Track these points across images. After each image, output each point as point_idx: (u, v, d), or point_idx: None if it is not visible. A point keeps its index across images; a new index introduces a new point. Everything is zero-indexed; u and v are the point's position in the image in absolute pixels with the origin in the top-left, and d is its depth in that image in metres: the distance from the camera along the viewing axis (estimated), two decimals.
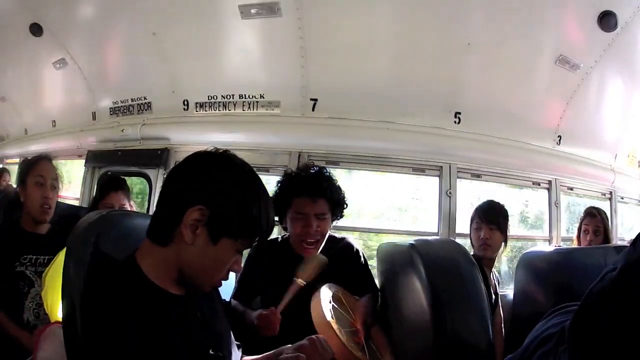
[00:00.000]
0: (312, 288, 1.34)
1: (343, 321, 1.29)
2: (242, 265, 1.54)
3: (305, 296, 1.31)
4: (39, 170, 1.57)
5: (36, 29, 3.03)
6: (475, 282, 1.10)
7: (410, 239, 1.29)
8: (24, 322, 1.48)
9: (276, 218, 1.48)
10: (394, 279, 1.39)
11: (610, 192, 3.05)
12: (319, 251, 1.46)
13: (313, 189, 1.42)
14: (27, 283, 1.51)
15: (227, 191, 0.77)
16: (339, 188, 1.49)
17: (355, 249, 1.57)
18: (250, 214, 0.78)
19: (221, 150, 0.82)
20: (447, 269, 1.12)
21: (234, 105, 2.40)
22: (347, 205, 1.52)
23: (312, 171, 1.47)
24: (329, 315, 1.20)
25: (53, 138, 3.59)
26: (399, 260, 1.36)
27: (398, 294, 1.37)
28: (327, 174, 1.49)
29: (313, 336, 0.87)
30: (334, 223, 1.53)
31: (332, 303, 1.31)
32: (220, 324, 0.91)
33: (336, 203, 1.47)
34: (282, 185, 1.49)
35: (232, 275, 1.68)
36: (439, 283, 1.08)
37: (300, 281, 1.33)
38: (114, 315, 0.70)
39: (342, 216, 1.53)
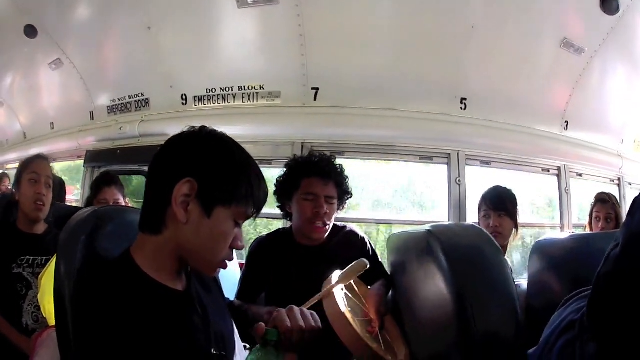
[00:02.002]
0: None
1: (356, 310, 1.23)
2: (244, 262, 1.52)
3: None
4: (33, 167, 1.54)
5: (30, 31, 2.99)
6: (503, 270, 0.97)
7: (424, 226, 1.17)
8: (23, 327, 1.44)
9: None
10: (409, 269, 1.30)
11: (619, 178, 3.00)
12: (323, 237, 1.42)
13: (324, 169, 1.38)
14: (24, 285, 1.47)
15: (213, 158, 0.74)
16: (346, 176, 1.46)
17: (360, 236, 1.52)
18: (240, 177, 0.75)
19: (199, 127, 0.80)
20: (471, 255, 0.99)
21: (234, 97, 2.36)
22: (351, 194, 1.48)
23: (318, 155, 1.44)
24: (342, 305, 1.14)
25: (52, 140, 3.56)
26: (414, 249, 1.25)
27: (414, 285, 1.26)
28: (335, 161, 1.46)
29: (293, 306, 0.83)
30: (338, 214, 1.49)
31: (345, 291, 1.25)
32: (224, 323, 0.86)
33: (344, 189, 1.43)
34: (290, 167, 1.45)
35: (235, 275, 1.65)
36: (462, 272, 0.95)
37: (338, 285, 1.24)
38: (107, 316, 0.65)
39: (345, 206, 1.49)
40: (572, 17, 2.37)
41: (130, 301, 0.67)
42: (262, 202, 0.80)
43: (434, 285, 1.03)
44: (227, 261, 0.78)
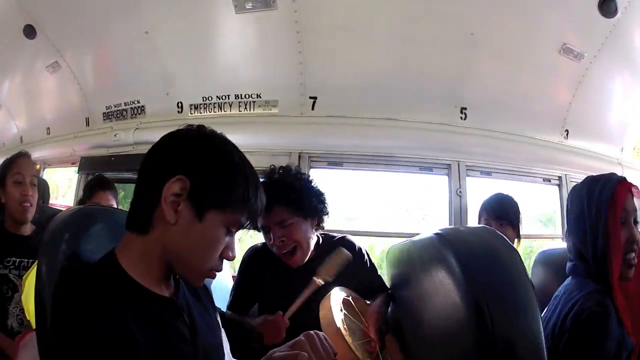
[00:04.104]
0: (324, 289, 1.23)
1: (355, 330, 1.19)
2: (237, 273, 1.48)
3: (314, 297, 1.21)
4: (16, 168, 1.51)
5: (30, 31, 2.95)
6: (520, 272, 0.89)
7: (432, 231, 1.05)
8: (8, 329, 1.42)
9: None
10: (415, 281, 1.20)
11: None
12: (307, 258, 1.35)
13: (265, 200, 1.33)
14: (10, 287, 1.45)
15: (209, 157, 0.70)
16: (303, 187, 1.36)
17: (357, 247, 1.45)
18: (237, 181, 0.71)
19: (198, 125, 0.76)
20: (485, 259, 0.90)
21: (230, 105, 2.32)
22: (323, 201, 1.40)
23: (269, 178, 1.35)
24: (340, 324, 1.10)
25: (48, 145, 3.51)
26: (419, 257, 1.16)
27: (421, 298, 1.16)
28: (288, 176, 1.37)
29: (311, 332, 0.77)
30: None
31: (344, 311, 1.21)
32: (213, 334, 0.82)
33: (299, 203, 1.33)
34: None
35: (228, 286, 1.61)
36: (476, 277, 0.87)
37: (319, 280, 1.21)
38: (85, 320, 0.60)
39: (323, 214, 1.40)
40: (570, 22, 2.34)
41: (110, 305, 0.62)
42: (258, 212, 0.76)
43: (446, 297, 0.94)
44: (216, 272, 0.73)
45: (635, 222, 1.10)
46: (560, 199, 2.52)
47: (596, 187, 1.13)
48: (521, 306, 0.87)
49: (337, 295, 1.23)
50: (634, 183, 1.19)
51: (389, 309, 1.38)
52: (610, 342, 0.99)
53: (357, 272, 1.39)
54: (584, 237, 1.14)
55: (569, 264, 1.25)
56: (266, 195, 1.31)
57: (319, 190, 1.40)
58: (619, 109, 2.84)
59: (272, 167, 1.41)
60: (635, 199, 1.13)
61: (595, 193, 1.12)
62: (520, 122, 2.42)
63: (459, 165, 2.22)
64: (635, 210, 1.12)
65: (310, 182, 1.41)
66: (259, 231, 1.36)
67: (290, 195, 1.32)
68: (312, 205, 1.36)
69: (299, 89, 2.20)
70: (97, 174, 2.45)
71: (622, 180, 1.14)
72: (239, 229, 0.75)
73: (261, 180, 1.35)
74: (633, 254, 1.08)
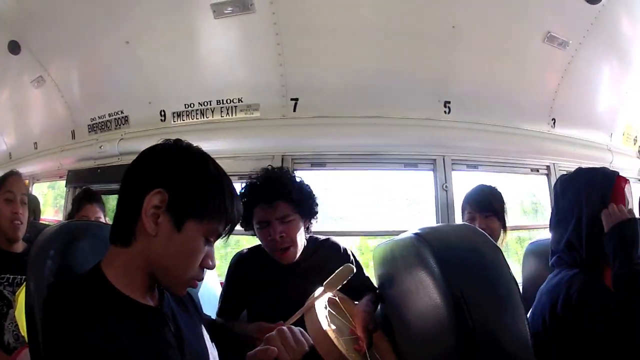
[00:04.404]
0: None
1: (341, 328, 1.18)
2: (224, 280, 1.47)
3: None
4: (7, 186, 1.54)
5: (14, 47, 2.94)
6: (501, 269, 0.89)
7: (411, 231, 1.05)
8: (4, 345, 1.43)
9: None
10: (399, 280, 1.20)
11: None
12: (297, 256, 1.37)
13: (268, 193, 1.34)
14: (5, 303, 1.47)
15: (186, 170, 0.73)
16: (301, 187, 1.41)
17: (342, 248, 1.46)
18: (213, 191, 0.74)
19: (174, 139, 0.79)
20: (464, 257, 0.90)
21: (212, 111, 2.30)
22: (316, 202, 1.43)
23: (272, 174, 1.39)
24: (324, 323, 1.09)
25: (36, 160, 3.50)
26: (401, 256, 1.15)
27: (405, 297, 1.16)
28: (288, 174, 1.42)
29: (283, 327, 0.80)
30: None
31: (328, 308, 1.20)
32: (199, 342, 0.83)
33: (300, 202, 1.37)
34: (242, 196, 1.39)
35: (216, 293, 1.60)
36: (455, 275, 0.87)
37: (323, 292, 1.19)
38: (75, 333, 0.62)
39: (314, 215, 1.44)
40: (554, 10, 2.32)
41: (99, 317, 0.64)
42: (236, 220, 0.78)
43: (426, 296, 0.94)
44: (197, 281, 0.75)
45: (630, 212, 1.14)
46: (549, 188, 2.50)
47: (597, 177, 1.18)
48: (502, 302, 0.86)
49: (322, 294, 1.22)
50: (610, 168, 1.23)
51: (379, 307, 1.38)
52: (608, 308, 1.01)
53: None
54: (577, 225, 1.16)
55: (552, 258, 1.25)
56: (270, 191, 1.34)
57: (313, 192, 1.44)
58: (607, 95, 2.84)
59: (270, 166, 1.45)
60: (627, 191, 1.16)
61: (597, 182, 1.16)
62: (506, 113, 2.40)
63: (444, 159, 2.20)
64: (629, 201, 1.16)
65: (307, 184, 1.45)
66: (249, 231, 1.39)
67: (294, 193, 1.36)
68: (310, 205, 1.41)
69: (280, 91, 2.18)
70: (84, 187, 2.46)
71: (618, 173, 1.20)
72: (217, 239, 0.77)
73: (254, 181, 1.38)
74: None
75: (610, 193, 1.14)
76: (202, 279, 0.77)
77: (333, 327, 1.11)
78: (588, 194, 1.16)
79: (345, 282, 1.21)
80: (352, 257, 1.45)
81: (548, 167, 2.52)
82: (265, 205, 1.33)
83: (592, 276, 1.11)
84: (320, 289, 1.19)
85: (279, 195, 1.33)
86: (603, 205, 1.13)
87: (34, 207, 2.06)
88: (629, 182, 1.19)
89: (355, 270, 1.23)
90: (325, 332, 1.05)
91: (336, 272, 1.22)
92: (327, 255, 1.42)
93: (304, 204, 1.39)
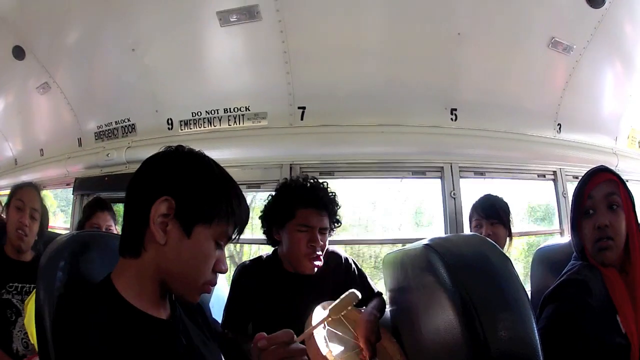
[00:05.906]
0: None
1: (344, 341, 1.18)
2: (229, 290, 1.47)
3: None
4: (20, 195, 1.58)
5: (19, 52, 2.94)
6: (512, 279, 0.89)
7: (422, 241, 1.06)
8: (13, 352, 1.46)
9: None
10: (408, 290, 1.20)
11: None
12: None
13: (322, 200, 1.34)
14: (14, 311, 1.49)
15: (191, 176, 0.73)
16: (338, 203, 1.43)
17: (343, 257, 1.47)
18: (219, 194, 0.73)
19: (175, 145, 0.79)
20: (475, 267, 0.90)
21: (219, 120, 2.30)
22: (341, 223, 1.44)
23: (312, 182, 1.40)
24: (323, 346, 1.09)
25: (42, 167, 3.50)
26: (411, 267, 1.16)
27: (415, 308, 1.17)
28: (327, 187, 1.42)
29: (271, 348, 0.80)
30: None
31: (327, 327, 1.20)
32: (210, 354, 0.82)
33: (335, 219, 1.40)
34: (283, 194, 1.39)
35: (221, 303, 1.59)
36: (466, 286, 0.86)
37: (327, 317, 1.21)
38: (86, 346, 0.62)
39: (331, 234, 1.45)
40: (558, 15, 2.32)
41: (109, 330, 0.64)
42: (244, 221, 0.77)
43: (437, 306, 0.94)
44: (211, 286, 0.75)
45: (610, 207, 1.12)
46: (556, 194, 2.50)
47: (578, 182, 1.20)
48: (514, 314, 0.85)
49: (320, 314, 1.22)
50: (616, 171, 1.22)
51: (388, 311, 1.39)
52: (592, 299, 1.04)
53: (347, 282, 1.40)
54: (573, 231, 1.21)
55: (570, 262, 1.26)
56: (324, 199, 1.35)
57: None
58: (612, 99, 2.83)
59: (305, 174, 1.46)
60: (607, 184, 1.14)
61: (575, 188, 1.19)
62: (512, 120, 2.40)
63: (451, 167, 2.20)
64: (609, 195, 1.13)
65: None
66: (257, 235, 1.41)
67: (335, 207, 1.39)
68: (335, 223, 1.43)
69: (288, 100, 2.18)
70: (95, 195, 2.47)
71: (599, 169, 1.18)
72: (227, 242, 0.77)
73: (295, 182, 1.38)
74: (605, 239, 1.11)
75: (576, 195, 1.19)
76: (216, 283, 0.77)
77: (334, 347, 1.12)
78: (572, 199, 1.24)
79: (348, 308, 1.23)
80: (353, 266, 1.47)
81: (555, 173, 2.52)
82: (317, 212, 1.33)
83: (590, 270, 1.12)
84: (322, 311, 1.19)
85: (328, 205, 1.35)
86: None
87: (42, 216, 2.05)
88: (614, 174, 1.17)
89: (360, 297, 1.25)
90: (325, 358, 1.05)
91: (341, 297, 1.21)
92: (329, 267, 1.43)
93: (337, 221, 1.41)
